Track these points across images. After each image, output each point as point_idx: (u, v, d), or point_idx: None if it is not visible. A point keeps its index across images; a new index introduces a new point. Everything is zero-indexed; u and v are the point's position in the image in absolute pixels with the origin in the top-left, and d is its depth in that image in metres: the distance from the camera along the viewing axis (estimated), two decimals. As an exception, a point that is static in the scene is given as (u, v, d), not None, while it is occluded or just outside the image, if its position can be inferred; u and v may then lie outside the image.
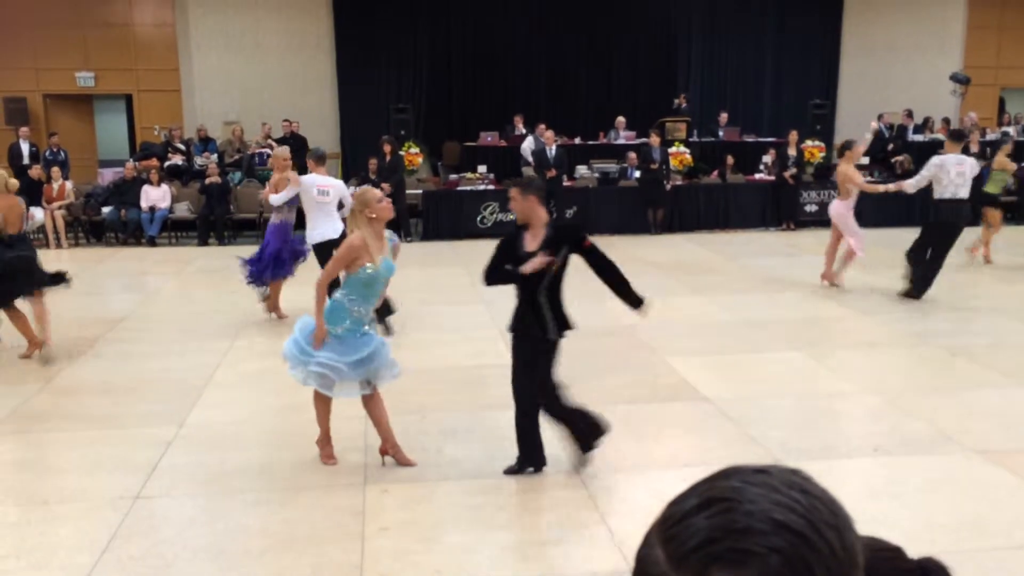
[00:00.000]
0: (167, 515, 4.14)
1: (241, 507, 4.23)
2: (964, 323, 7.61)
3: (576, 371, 6.26)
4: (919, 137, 15.47)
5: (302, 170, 7.98)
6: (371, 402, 4.59)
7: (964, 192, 8.16)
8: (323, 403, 4.62)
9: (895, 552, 1.09)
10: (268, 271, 7.80)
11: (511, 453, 4.80)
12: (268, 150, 14.14)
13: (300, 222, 7.78)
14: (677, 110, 15.24)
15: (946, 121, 15.06)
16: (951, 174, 8.11)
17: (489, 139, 14.88)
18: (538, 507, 4.18)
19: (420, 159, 14.06)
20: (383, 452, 4.63)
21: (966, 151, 11.86)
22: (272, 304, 7.99)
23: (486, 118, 15.38)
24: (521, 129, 15.02)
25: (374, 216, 4.44)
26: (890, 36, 16.86)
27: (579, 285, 8.24)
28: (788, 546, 0.69)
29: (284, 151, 8.18)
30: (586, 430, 4.49)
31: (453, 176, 13.91)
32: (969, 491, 4.30)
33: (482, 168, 13.88)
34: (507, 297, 8.81)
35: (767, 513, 0.69)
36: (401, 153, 13.29)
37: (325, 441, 4.70)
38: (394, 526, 3.97)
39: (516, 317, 4.45)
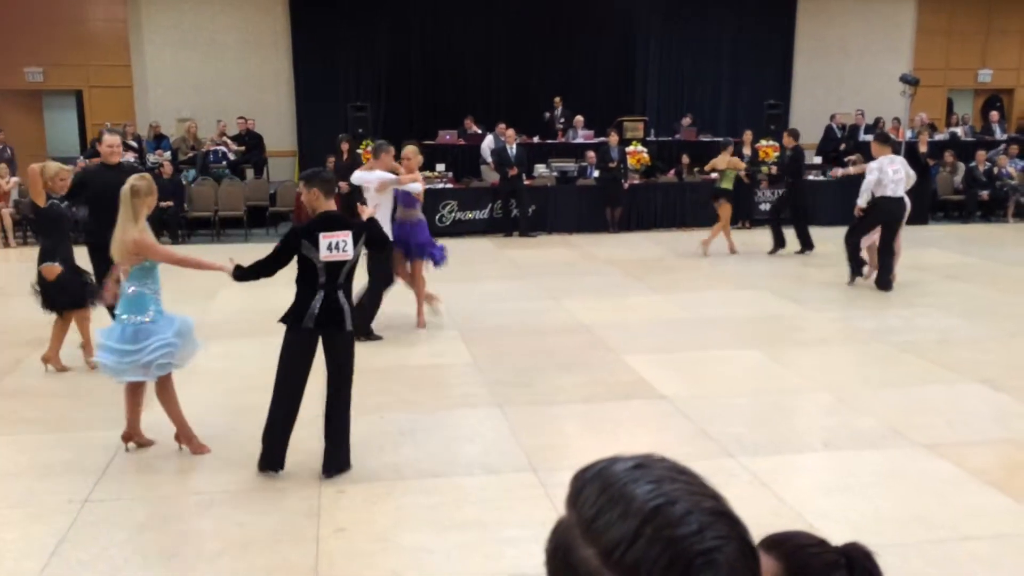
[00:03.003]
0: (117, 519, 4.07)
1: (194, 510, 4.17)
2: (912, 320, 7.78)
3: (534, 370, 6.29)
4: (870, 137, 15.75)
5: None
6: (160, 390, 4.72)
7: (901, 190, 8.73)
8: (132, 395, 4.72)
9: (821, 545, 1.12)
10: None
11: (470, 452, 4.81)
12: (223, 147, 13.97)
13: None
14: (557, 116, 15.34)
15: (896, 121, 15.37)
16: (888, 174, 8.65)
17: (448, 138, 14.85)
18: (496, 506, 4.18)
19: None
20: (176, 438, 4.80)
21: (912, 151, 12.21)
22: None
23: (445, 117, 15.34)
24: (475, 129, 15.02)
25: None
26: (842, 39, 17.15)
27: (534, 286, 8.33)
28: (729, 528, 0.72)
29: (415, 148, 7.73)
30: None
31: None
32: (916, 484, 4.40)
33: (441, 167, 13.84)
34: (467, 299, 8.84)
35: (697, 506, 0.72)
36: (359, 152, 13.21)
37: (134, 433, 4.80)
38: (350, 527, 3.95)
39: (307, 310, 4.33)
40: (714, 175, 11.83)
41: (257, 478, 4.46)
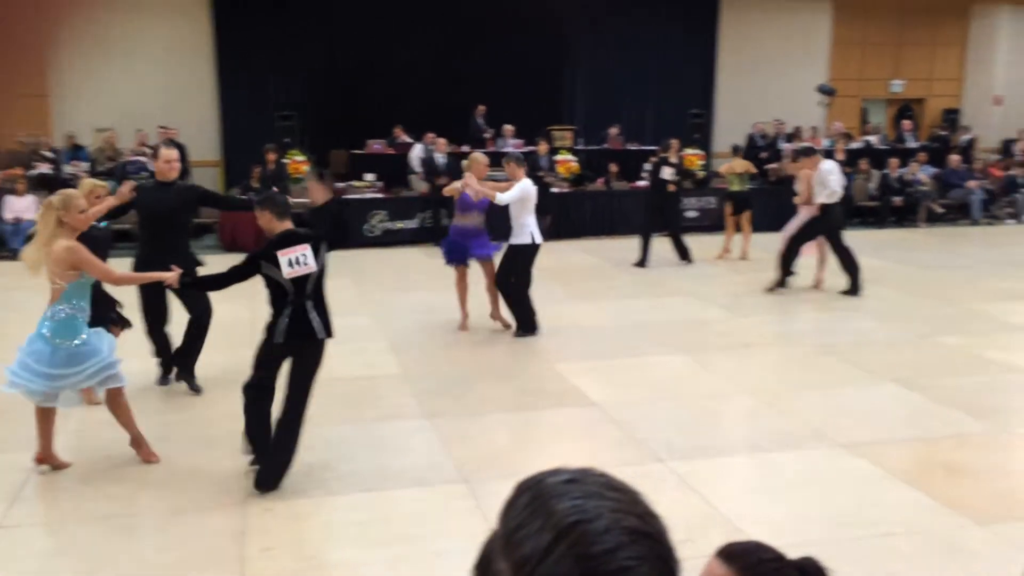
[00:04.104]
0: (31, 545, 3.92)
1: (112, 534, 4.04)
2: (830, 323, 8.02)
3: (465, 380, 6.28)
4: (789, 145, 16.20)
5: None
6: (114, 404, 4.68)
7: (839, 196, 9.02)
8: (45, 417, 4.60)
9: (779, 560, 1.14)
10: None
11: (400, 465, 4.77)
12: (142, 158, 13.59)
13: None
14: (480, 124, 15.47)
15: (814, 129, 15.84)
16: (835, 179, 8.96)
17: (377, 147, 14.75)
18: (427, 519, 4.15)
19: (305, 167, 13.79)
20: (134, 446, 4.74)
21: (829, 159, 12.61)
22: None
23: (374, 126, 15.22)
24: (404, 139, 14.94)
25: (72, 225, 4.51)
26: (762, 50, 17.61)
27: (454, 296, 8.29)
28: (647, 550, 0.71)
29: (484, 157, 7.97)
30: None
31: (340, 184, 13.71)
32: (837, 484, 4.53)
33: (370, 176, 13.74)
34: (398, 309, 8.77)
35: (617, 524, 0.71)
36: (285, 161, 13.01)
37: (47, 455, 4.67)
38: (278, 546, 3.87)
39: (277, 326, 4.43)
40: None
41: (179, 498, 4.34)
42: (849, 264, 9.02)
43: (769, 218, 12.48)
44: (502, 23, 16.11)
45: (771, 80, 17.55)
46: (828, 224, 9.01)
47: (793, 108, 16.81)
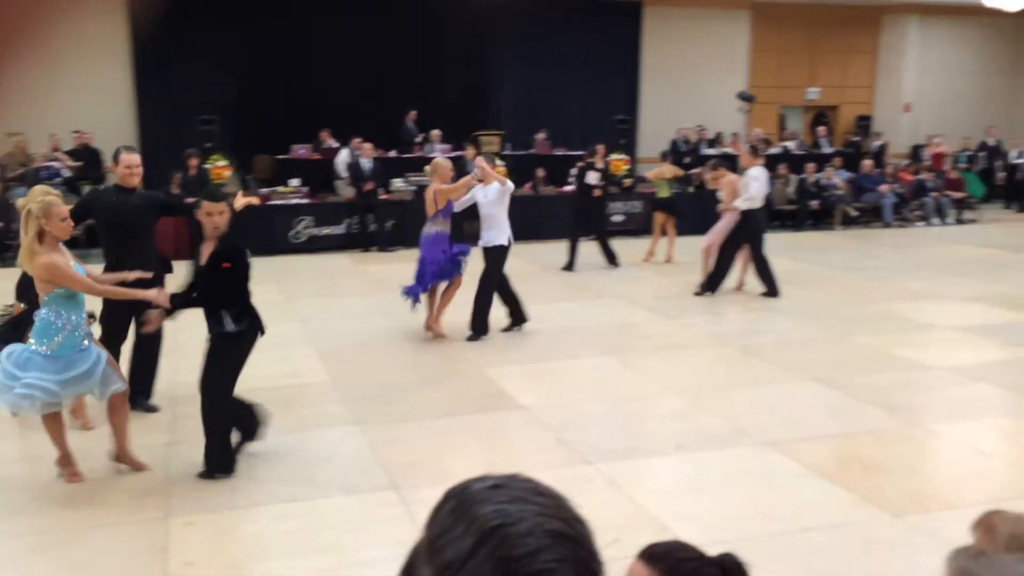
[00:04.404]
0: (-61, 569, 3.74)
1: (25, 552, 3.88)
2: (753, 324, 8.23)
3: (394, 386, 6.24)
4: (711, 151, 16.58)
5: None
6: (112, 412, 4.58)
7: (760, 203, 9.26)
8: (54, 422, 4.48)
9: (700, 559, 1.16)
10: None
11: (327, 473, 4.71)
12: (57, 163, 13.14)
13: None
14: (412, 128, 15.52)
15: (735, 135, 16.24)
16: (757, 186, 9.17)
17: (302, 152, 14.54)
18: (355, 527, 4.11)
19: (228, 172, 13.51)
20: (117, 459, 4.67)
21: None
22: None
23: (299, 130, 15.01)
24: (330, 143, 14.78)
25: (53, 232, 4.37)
26: (684, 57, 17.98)
27: (394, 301, 8.26)
28: (569, 552, 0.72)
29: (447, 161, 8.05)
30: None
31: (264, 190, 13.47)
32: (760, 481, 4.65)
33: (295, 182, 13.54)
34: (325, 316, 8.67)
35: (540, 527, 0.72)
36: (207, 167, 12.73)
37: (66, 461, 4.56)
38: (200, 560, 3.78)
39: (255, 323, 4.65)
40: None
41: (99, 514, 4.20)
42: (763, 271, 9.26)
43: (694, 222, 12.75)
44: (430, 28, 16.09)
45: (693, 86, 17.93)
46: (752, 230, 9.22)
47: (715, 114, 17.20)
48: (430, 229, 7.72)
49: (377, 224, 12.87)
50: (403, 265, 11.67)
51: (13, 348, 4.39)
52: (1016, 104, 19.65)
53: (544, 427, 5.44)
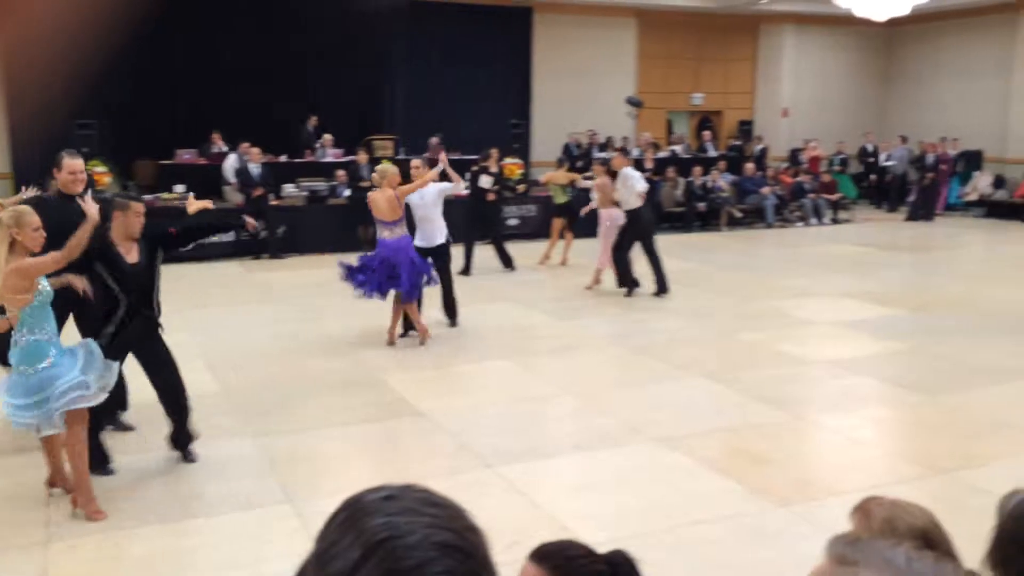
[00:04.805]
0: None
1: None
2: (645, 324, 8.44)
3: (289, 396, 6.12)
4: (603, 155, 16.89)
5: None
6: (62, 439, 4.28)
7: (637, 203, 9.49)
8: (48, 443, 4.29)
9: (589, 555, 1.19)
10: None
11: (221, 489, 4.58)
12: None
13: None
14: (311, 133, 15.41)
15: (625, 140, 16.62)
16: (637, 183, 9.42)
17: (187, 157, 14.06)
18: (251, 543, 4.01)
19: (108, 178, 12.94)
20: (73, 502, 4.23)
21: (639, 167, 13.28)
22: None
23: (188, 135, 14.51)
24: (221, 147, 14.37)
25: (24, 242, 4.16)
26: (575, 62, 18.28)
27: (288, 309, 8.08)
28: (457, 564, 0.73)
29: (394, 167, 8.07)
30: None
31: (148, 196, 12.97)
32: (654, 477, 4.78)
33: (180, 188, 13.08)
34: (215, 325, 8.40)
35: (427, 539, 0.73)
36: (87, 172, 12.14)
37: (59, 476, 4.37)
38: (87, 585, 3.62)
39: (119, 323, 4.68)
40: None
41: (-29, 543, 3.96)
42: (656, 267, 9.52)
43: (590, 225, 12.96)
44: (323, 33, 15.84)
45: (585, 91, 18.25)
46: (640, 229, 9.48)
47: (605, 119, 17.55)
48: (392, 234, 7.48)
49: (268, 231, 12.57)
50: (297, 272, 11.48)
51: (14, 384, 4.10)
52: (885, 110, 20.82)
53: (444, 432, 5.44)
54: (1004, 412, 5.77)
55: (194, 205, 5.56)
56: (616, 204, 9.72)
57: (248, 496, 4.48)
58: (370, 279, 7.39)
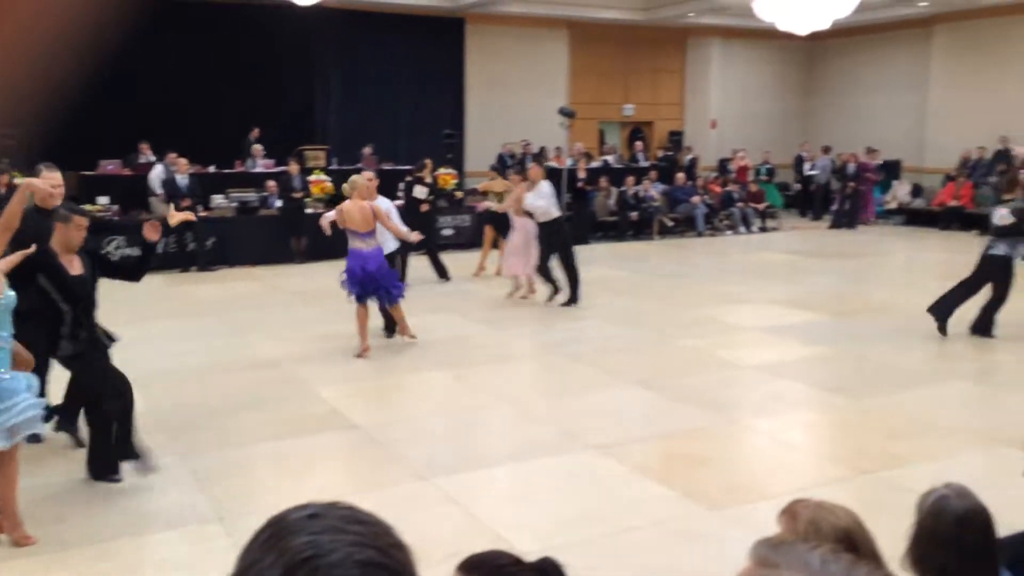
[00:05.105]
0: None
1: None
2: (580, 332, 8.50)
3: (218, 412, 5.98)
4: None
5: None
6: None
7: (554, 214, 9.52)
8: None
9: (517, 564, 1.19)
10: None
11: (147, 509, 4.45)
12: None
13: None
14: (253, 144, 15.27)
15: (558, 150, 16.75)
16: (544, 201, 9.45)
17: (111, 168, 13.67)
18: (180, 564, 3.90)
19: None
20: None
21: (572, 178, 13.41)
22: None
23: (110, 145, 14.10)
24: (149, 157, 14.02)
25: None
26: (507, 72, 18.39)
27: (216, 323, 7.92)
28: None
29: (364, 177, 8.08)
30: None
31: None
32: (589, 485, 4.81)
33: (104, 199, 12.71)
34: (139, 340, 8.16)
35: (350, 558, 0.72)
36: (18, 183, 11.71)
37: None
38: (4, 613, 3.47)
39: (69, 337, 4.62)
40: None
41: None
42: (572, 278, 9.53)
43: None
44: (254, 43, 15.61)
45: (518, 101, 18.36)
46: (561, 240, 9.49)
47: (539, 129, 17.67)
48: (367, 245, 7.46)
49: (196, 243, 12.30)
50: (226, 285, 11.25)
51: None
52: (809, 121, 21.43)
53: (378, 445, 5.38)
54: (924, 414, 5.98)
55: (176, 218, 5.41)
56: (528, 214, 9.69)
57: (177, 515, 4.36)
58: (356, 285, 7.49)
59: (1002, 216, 7.72)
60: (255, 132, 15.29)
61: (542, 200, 9.42)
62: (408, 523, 3.76)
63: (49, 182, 5.07)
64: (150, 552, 4.01)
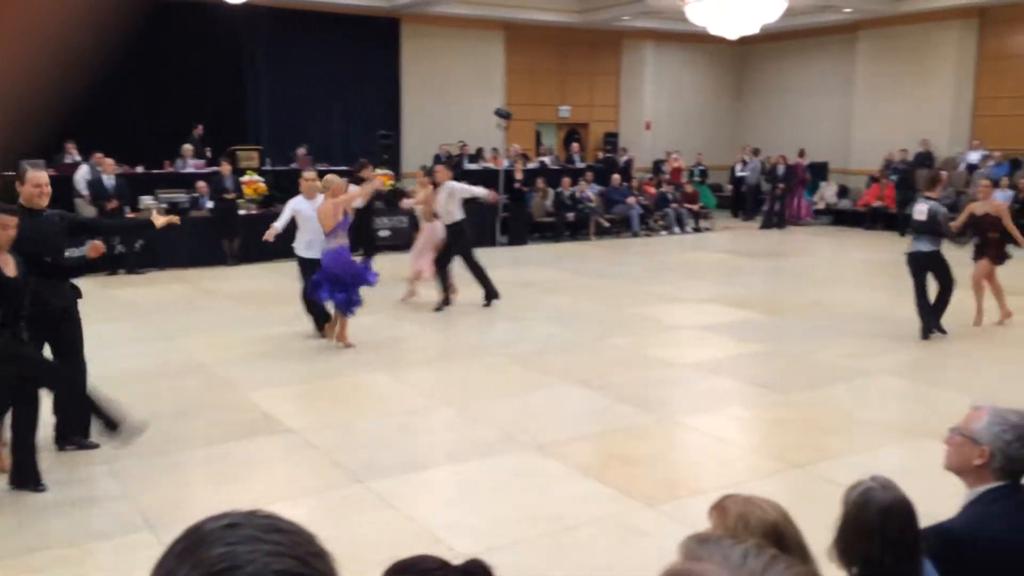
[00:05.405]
0: None
1: None
2: (519, 332, 8.52)
3: (146, 416, 5.81)
4: (474, 166, 17.03)
5: None
6: None
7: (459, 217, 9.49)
8: None
9: (443, 568, 1.18)
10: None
11: (72, 520, 4.31)
12: None
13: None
14: (195, 139, 15.04)
15: (495, 151, 16.78)
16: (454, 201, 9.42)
17: (33, 167, 13.20)
18: (107, 574, 3.78)
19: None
20: None
21: (509, 178, 13.41)
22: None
23: (30, 145, 13.60)
24: (75, 156, 13.60)
25: None
26: (443, 73, 18.34)
27: (145, 327, 7.72)
28: None
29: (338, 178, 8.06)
30: None
31: None
32: (528, 484, 4.82)
33: (25, 200, 12.26)
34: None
35: (267, 568, 0.71)
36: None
37: None
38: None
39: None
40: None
41: None
42: (481, 277, 9.51)
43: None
44: (182, 41, 15.25)
45: (454, 102, 18.33)
46: (463, 244, 9.46)
47: (476, 130, 17.68)
48: (331, 244, 7.59)
49: (124, 245, 11.97)
50: (155, 288, 10.97)
51: None
52: (740, 123, 21.89)
53: (314, 449, 5.31)
54: (853, 408, 6.15)
55: (160, 220, 5.27)
56: (436, 216, 9.62)
57: (105, 526, 4.23)
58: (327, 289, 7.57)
59: (919, 212, 7.99)
60: (198, 129, 14.99)
61: (454, 204, 9.39)
62: (345, 527, 3.76)
63: (33, 182, 5.03)
64: (78, 565, 3.88)
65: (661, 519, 4.35)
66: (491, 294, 9.58)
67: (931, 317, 8.04)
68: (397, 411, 6.14)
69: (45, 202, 5.09)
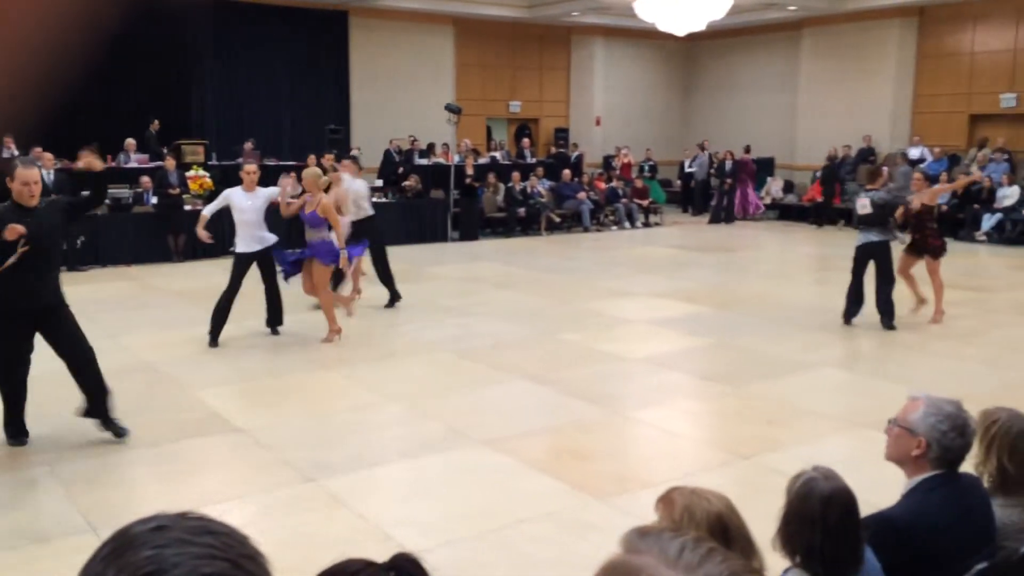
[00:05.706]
0: None
1: None
2: (469, 328, 8.51)
3: (88, 419, 5.69)
4: (424, 161, 16.96)
5: None
6: None
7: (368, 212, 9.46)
8: None
9: (369, 567, 1.17)
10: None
11: (12, 522, 4.20)
12: None
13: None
14: (151, 136, 14.81)
15: (445, 147, 16.72)
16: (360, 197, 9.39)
17: (-32, 162, 12.82)
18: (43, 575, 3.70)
19: None
20: None
21: (460, 173, 13.38)
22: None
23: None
24: (13, 151, 13.21)
25: None
26: (393, 67, 18.22)
27: (86, 325, 7.51)
28: None
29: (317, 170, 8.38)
30: None
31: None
32: (480, 480, 4.82)
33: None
34: None
35: (196, 571, 0.69)
36: None
37: None
38: None
39: None
40: None
41: None
42: (386, 277, 9.41)
43: (403, 232, 12.94)
44: (124, 33, 14.88)
45: (404, 97, 18.22)
46: (373, 239, 9.28)
47: (426, 125, 17.60)
48: (315, 237, 7.87)
49: (68, 241, 11.66)
50: (97, 285, 10.71)
51: None
52: (689, 119, 22.13)
53: (262, 448, 5.24)
54: (799, 400, 6.27)
55: (96, 164, 5.33)
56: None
57: (45, 529, 4.13)
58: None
59: (863, 205, 8.17)
60: (155, 125, 14.74)
61: (364, 198, 9.34)
62: (295, 526, 3.73)
63: (22, 179, 4.98)
64: (17, 569, 3.78)
65: (612, 512, 4.38)
66: (395, 296, 9.43)
67: (856, 306, 8.33)
68: (347, 408, 6.09)
69: (35, 200, 5.06)
